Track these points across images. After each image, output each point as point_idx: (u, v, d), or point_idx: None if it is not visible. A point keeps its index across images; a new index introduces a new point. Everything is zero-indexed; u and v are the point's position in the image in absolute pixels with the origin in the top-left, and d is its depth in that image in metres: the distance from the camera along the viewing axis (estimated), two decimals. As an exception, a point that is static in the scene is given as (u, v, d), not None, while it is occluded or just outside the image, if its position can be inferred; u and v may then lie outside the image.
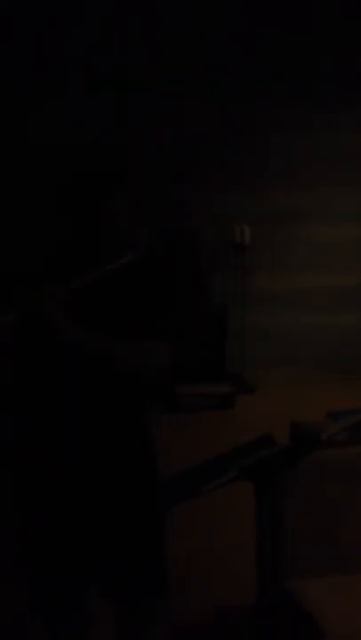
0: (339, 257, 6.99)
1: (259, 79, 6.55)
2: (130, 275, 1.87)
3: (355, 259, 7.05)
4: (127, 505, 1.94)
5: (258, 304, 6.74)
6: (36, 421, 1.92)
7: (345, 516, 2.39)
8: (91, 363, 1.82)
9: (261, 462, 1.79)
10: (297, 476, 2.25)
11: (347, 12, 6.60)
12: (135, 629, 2.05)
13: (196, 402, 5.86)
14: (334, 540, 2.36)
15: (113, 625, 2.07)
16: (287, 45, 6.58)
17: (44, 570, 1.96)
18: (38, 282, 1.79)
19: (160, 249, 1.97)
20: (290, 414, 3.87)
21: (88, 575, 1.96)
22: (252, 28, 6.46)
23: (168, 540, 2.03)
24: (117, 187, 1.86)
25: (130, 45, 6.20)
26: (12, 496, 2.00)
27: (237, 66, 6.48)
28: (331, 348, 6.93)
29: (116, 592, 1.98)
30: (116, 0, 6.13)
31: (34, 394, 1.90)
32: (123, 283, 1.87)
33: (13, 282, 1.88)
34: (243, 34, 6.45)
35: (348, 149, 6.91)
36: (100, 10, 6.09)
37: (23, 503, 1.98)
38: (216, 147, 6.54)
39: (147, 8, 6.19)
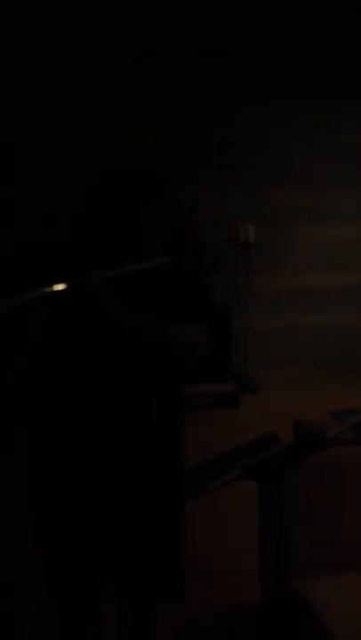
0: (341, 256, 6.99)
1: (262, 79, 6.56)
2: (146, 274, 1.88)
3: (357, 258, 7.05)
4: (152, 503, 1.93)
5: (261, 304, 6.75)
6: (72, 399, 1.91)
7: (350, 516, 2.38)
8: (138, 341, 1.84)
9: (265, 461, 1.79)
10: (301, 476, 2.24)
11: (347, 11, 6.61)
12: (140, 629, 2.05)
13: (200, 401, 5.85)
14: (339, 539, 2.36)
15: (112, 625, 2.08)
16: (288, 45, 6.58)
17: (65, 569, 1.95)
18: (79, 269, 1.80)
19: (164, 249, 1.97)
20: (293, 414, 3.87)
21: (108, 575, 1.96)
22: (252, 29, 6.46)
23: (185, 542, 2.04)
24: (158, 192, 1.89)
25: (133, 49, 6.21)
26: (35, 493, 2.01)
27: (241, 66, 6.48)
28: (334, 348, 6.93)
29: (129, 591, 1.99)
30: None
31: (75, 369, 1.89)
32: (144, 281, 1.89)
33: (58, 268, 1.90)
34: (243, 34, 6.45)
35: (349, 149, 6.91)
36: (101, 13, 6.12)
37: (46, 495, 1.98)
38: (217, 147, 6.54)
39: (148, 9, 6.20)
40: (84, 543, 1.91)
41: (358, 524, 2.40)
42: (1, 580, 3.18)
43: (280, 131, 6.74)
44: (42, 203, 5.94)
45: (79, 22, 6.06)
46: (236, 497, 2.51)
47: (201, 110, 6.42)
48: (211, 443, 2.16)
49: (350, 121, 6.88)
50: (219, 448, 1.83)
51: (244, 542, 2.68)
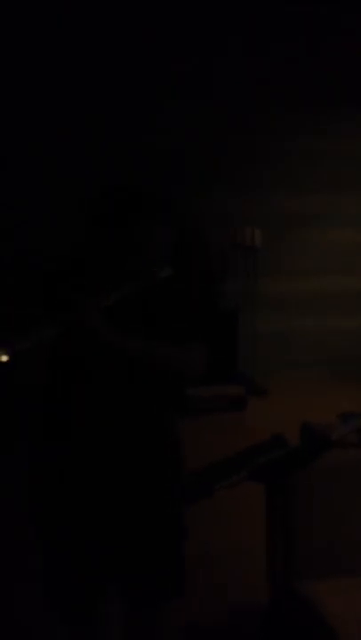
0: (349, 259, 7.00)
1: (271, 83, 6.58)
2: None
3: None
4: (150, 504, 1.96)
5: (268, 307, 6.75)
6: (68, 425, 1.95)
7: (356, 518, 2.39)
8: (131, 364, 1.88)
9: (272, 463, 1.81)
10: (308, 478, 2.26)
11: (348, 13, 6.62)
12: (147, 629, 2.07)
13: (207, 404, 5.87)
14: (345, 541, 2.37)
15: (118, 625, 2.09)
16: (289, 51, 6.61)
17: (65, 567, 1.98)
18: (69, 290, 1.83)
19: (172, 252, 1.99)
20: (301, 417, 3.88)
21: (108, 573, 1.98)
22: (252, 35, 6.49)
23: (186, 540, 2.06)
24: (152, 209, 1.90)
25: (130, 52, 6.25)
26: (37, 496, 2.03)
27: (249, 69, 6.51)
28: (340, 351, 6.93)
29: (132, 590, 2.01)
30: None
31: (69, 400, 1.93)
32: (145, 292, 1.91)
33: (49, 288, 1.93)
34: (244, 40, 6.48)
35: (350, 154, 6.93)
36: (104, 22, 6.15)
37: (46, 502, 2.01)
38: (222, 152, 6.57)
39: (150, 14, 6.24)
40: (83, 541, 1.94)
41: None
42: (1, 579, 3.20)
43: (283, 137, 6.76)
44: (35, 210, 5.97)
45: (79, 25, 6.09)
46: (244, 499, 2.53)
47: (204, 116, 6.44)
48: (218, 445, 2.18)
49: (351, 127, 6.89)
50: (226, 450, 1.85)
51: (250, 544, 2.69)
